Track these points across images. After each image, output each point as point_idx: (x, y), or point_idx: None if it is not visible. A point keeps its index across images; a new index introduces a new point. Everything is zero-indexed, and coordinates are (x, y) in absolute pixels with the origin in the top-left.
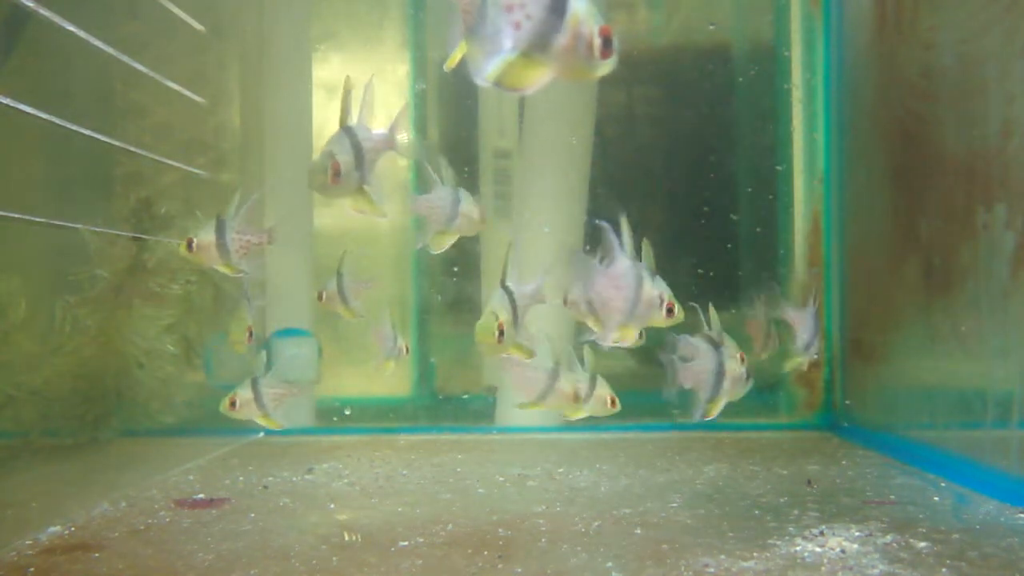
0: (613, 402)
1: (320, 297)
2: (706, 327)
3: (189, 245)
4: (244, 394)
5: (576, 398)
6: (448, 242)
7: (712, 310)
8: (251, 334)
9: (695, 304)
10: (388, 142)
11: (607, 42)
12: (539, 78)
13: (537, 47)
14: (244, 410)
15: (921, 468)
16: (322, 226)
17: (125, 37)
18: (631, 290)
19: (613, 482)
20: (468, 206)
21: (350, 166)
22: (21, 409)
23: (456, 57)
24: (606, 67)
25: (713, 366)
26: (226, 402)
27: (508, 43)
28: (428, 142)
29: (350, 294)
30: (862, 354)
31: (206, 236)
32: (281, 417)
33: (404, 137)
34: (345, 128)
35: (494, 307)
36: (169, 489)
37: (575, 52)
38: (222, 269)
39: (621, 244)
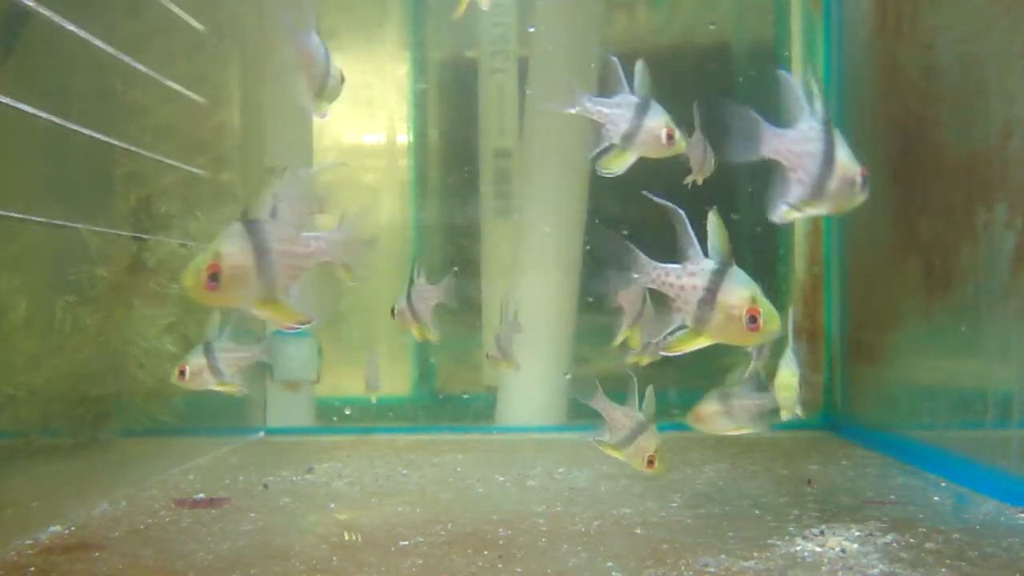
0: (651, 462)
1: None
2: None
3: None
4: (196, 361)
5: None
6: (624, 164)
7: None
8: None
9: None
10: (321, 248)
11: (865, 180)
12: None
13: (815, 194)
14: (196, 379)
15: (921, 468)
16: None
17: (125, 36)
18: None
19: (613, 482)
20: (656, 120)
21: (243, 272)
22: (21, 409)
23: (462, 6)
24: (863, 198)
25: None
26: (175, 372)
27: (795, 194)
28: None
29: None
30: (862, 354)
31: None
32: (240, 382)
33: (363, 246)
34: (246, 221)
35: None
36: (169, 489)
37: (842, 191)
38: None
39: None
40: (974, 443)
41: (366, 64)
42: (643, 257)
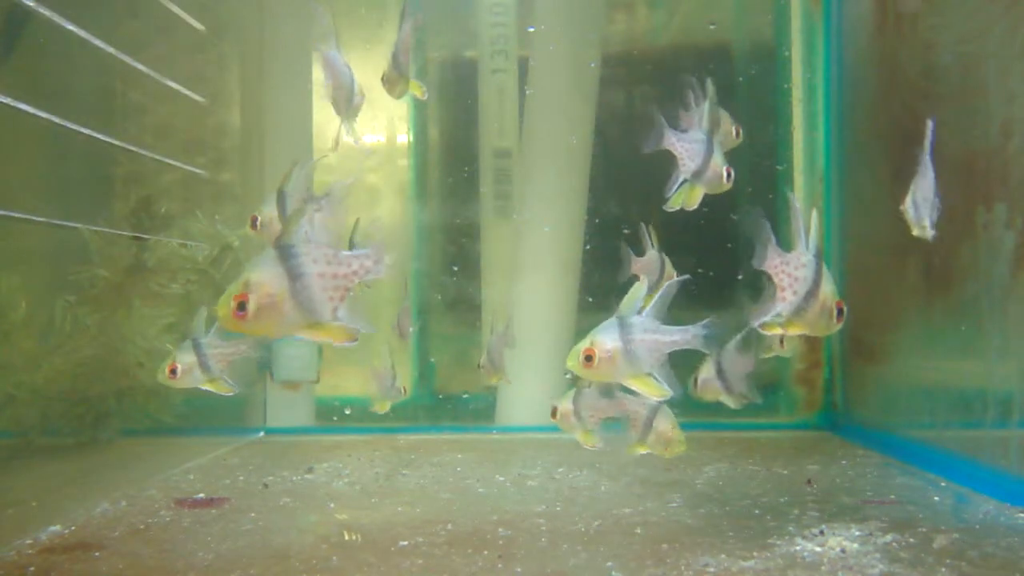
0: (672, 443)
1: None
2: None
3: (253, 223)
4: (185, 358)
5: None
6: (694, 200)
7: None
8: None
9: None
10: (366, 266)
11: (840, 311)
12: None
13: (795, 315)
14: (186, 377)
15: (921, 468)
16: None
17: (125, 36)
18: None
19: (613, 482)
20: (720, 157)
21: (274, 300)
22: (21, 409)
23: (399, 94)
24: (838, 327)
25: None
26: (164, 370)
27: (780, 309)
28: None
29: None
30: (862, 354)
31: (269, 211)
32: (232, 380)
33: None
34: (279, 246)
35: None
36: (169, 489)
37: (820, 318)
38: None
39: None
40: (974, 443)
41: (366, 64)
42: None
